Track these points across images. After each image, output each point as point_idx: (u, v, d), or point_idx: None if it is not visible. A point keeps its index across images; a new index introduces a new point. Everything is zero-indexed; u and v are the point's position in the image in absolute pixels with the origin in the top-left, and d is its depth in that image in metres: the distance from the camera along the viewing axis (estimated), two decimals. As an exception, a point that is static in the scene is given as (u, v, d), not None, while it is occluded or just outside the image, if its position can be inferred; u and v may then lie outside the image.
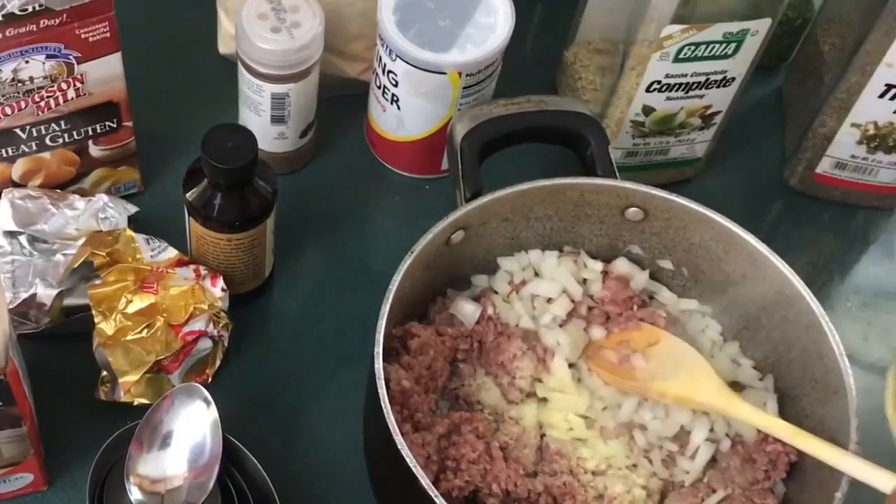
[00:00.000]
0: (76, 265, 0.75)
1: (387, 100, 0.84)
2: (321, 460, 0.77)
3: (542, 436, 0.73)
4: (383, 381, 0.64)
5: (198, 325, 0.74)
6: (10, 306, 0.73)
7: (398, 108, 0.84)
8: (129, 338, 0.73)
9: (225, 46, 0.91)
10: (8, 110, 0.73)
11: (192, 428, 0.68)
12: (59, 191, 0.81)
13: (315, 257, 0.85)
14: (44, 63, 0.71)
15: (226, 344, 0.77)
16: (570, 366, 0.74)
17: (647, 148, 0.87)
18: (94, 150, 0.80)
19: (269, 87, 0.80)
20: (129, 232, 0.77)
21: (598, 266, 0.77)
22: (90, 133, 0.78)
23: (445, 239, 0.72)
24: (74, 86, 0.74)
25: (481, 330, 0.75)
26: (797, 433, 0.66)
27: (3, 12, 0.67)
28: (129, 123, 0.79)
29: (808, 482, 0.69)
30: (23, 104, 0.73)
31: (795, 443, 0.66)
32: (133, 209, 0.81)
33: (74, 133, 0.78)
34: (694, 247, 0.75)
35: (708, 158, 0.90)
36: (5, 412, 0.64)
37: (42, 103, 0.74)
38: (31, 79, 0.72)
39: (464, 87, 0.81)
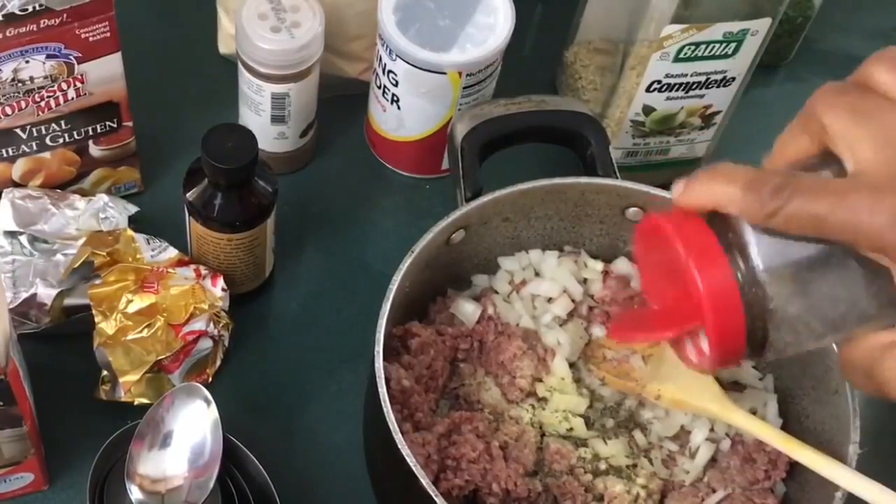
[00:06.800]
0: (76, 265, 0.75)
1: (387, 100, 0.84)
2: (321, 460, 0.77)
3: (542, 436, 0.73)
4: (383, 381, 0.64)
5: (198, 324, 0.74)
6: (11, 306, 0.73)
7: (398, 107, 0.84)
8: (129, 337, 0.73)
9: (225, 46, 0.91)
10: (8, 110, 0.73)
11: (193, 428, 0.68)
12: (59, 191, 0.81)
13: (315, 257, 0.85)
14: (44, 63, 0.71)
15: (226, 344, 0.77)
16: (571, 365, 0.74)
17: (647, 148, 0.87)
18: (95, 150, 0.80)
19: (269, 87, 0.80)
20: (130, 232, 0.77)
21: (598, 266, 0.77)
22: (90, 133, 0.78)
23: (446, 238, 0.72)
24: (74, 86, 0.74)
25: (481, 329, 0.75)
26: (790, 442, 0.66)
27: (4, 12, 0.67)
28: (129, 123, 0.79)
29: (808, 482, 0.69)
30: (23, 104, 0.73)
31: (788, 451, 0.66)
32: (133, 209, 0.81)
33: (74, 133, 0.78)
34: (694, 246, 0.75)
35: (708, 158, 0.90)
36: (6, 412, 0.64)
37: (42, 103, 0.74)
38: (32, 79, 0.72)
39: (464, 87, 0.81)
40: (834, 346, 0.66)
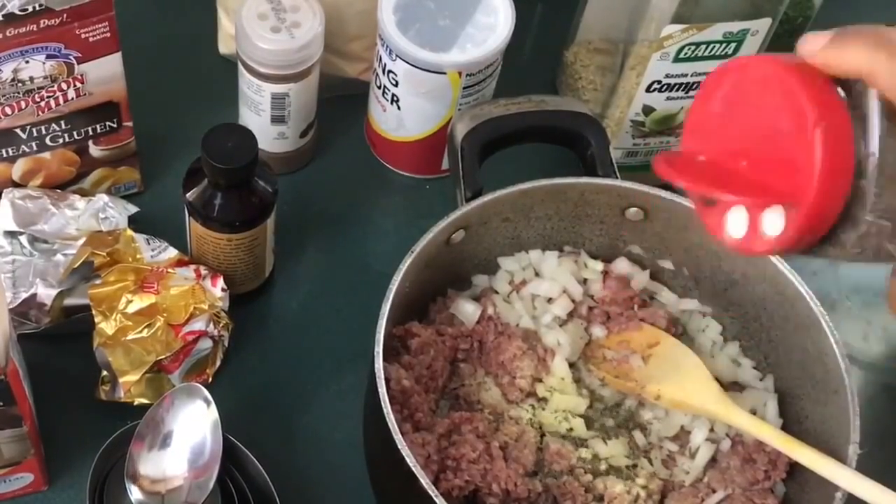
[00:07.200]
0: (76, 265, 0.75)
1: (387, 100, 0.84)
2: (321, 460, 0.77)
3: (542, 436, 0.73)
4: (383, 381, 0.64)
5: (198, 325, 0.74)
6: (11, 306, 0.73)
7: (398, 107, 0.84)
8: (129, 338, 0.73)
9: (225, 46, 0.91)
10: (8, 110, 0.73)
11: (193, 428, 0.68)
12: (59, 191, 0.81)
13: (315, 257, 0.85)
14: (44, 63, 0.71)
15: (226, 344, 0.77)
16: (571, 366, 0.74)
17: (647, 148, 0.87)
18: (95, 150, 0.80)
19: (269, 87, 0.80)
20: (130, 232, 0.77)
21: (598, 266, 0.77)
22: (90, 133, 0.78)
23: (446, 239, 0.72)
24: (74, 86, 0.74)
25: (482, 330, 0.75)
26: (790, 442, 0.66)
27: (4, 12, 0.67)
28: (129, 123, 0.79)
29: (808, 482, 0.69)
30: (23, 104, 0.73)
31: (788, 451, 0.66)
32: (133, 209, 0.81)
33: (74, 133, 0.78)
34: (694, 247, 0.76)
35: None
36: (6, 412, 0.64)
37: (42, 103, 0.74)
38: (32, 79, 0.72)
39: (464, 87, 0.81)
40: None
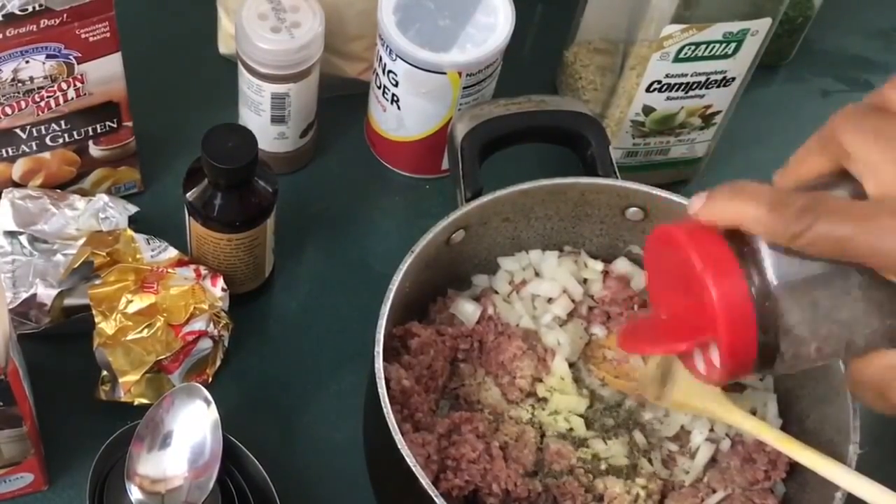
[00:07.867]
0: (76, 265, 0.75)
1: (387, 100, 0.84)
2: (321, 460, 0.77)
3: (542, 436, 0.73)
4: (383, 381, 0.64)
5: (198, 325, 0.74)
6: (11, 306, 0.73)
7: (398, 107, 0.84)
8: (129, 338, 0.73)
9: (225, 46, 0.91)
10: (8, 110, 0.73)
11: (193, 428, 0.68)
12: (59, 191, 0.81)
13: (315, 257, 0.85)
14: (44, 63, 0.71)
15: (226, 344, 0.77)
16: (571, 366, 0.74)
17: (647, 148, 0.87)
18: (95, 150, 0.80)
19: (269, 87, 0.80)
20: (130, 232, 0.77)
21: (598, 266, 0.77)
22: (90, 133, 0.78)
23: (446, 239, 0.72)
24: (74, 86, 0.74)
25: (482, 330, 0.75)
26: (790, 442, 0.66)
27: (4, 12, 0.67)
28: (129, 123, 0.79)
29: (808, 482, 0.69)
30: (23, 104, 0.73)
31: (788, 452, 0.66)
32: (133, 209, 0.81)
33: (74, 133, 0.78)
34: (694, 247, 0.75)
35: (708, 158, 0.90)
36: (5, 412, 0.64)
37: (42, 103, 0.74)
38: (32, 79, 0.72)
39: (464, 87, 0.81)
40: (841, 364, 0.66)
